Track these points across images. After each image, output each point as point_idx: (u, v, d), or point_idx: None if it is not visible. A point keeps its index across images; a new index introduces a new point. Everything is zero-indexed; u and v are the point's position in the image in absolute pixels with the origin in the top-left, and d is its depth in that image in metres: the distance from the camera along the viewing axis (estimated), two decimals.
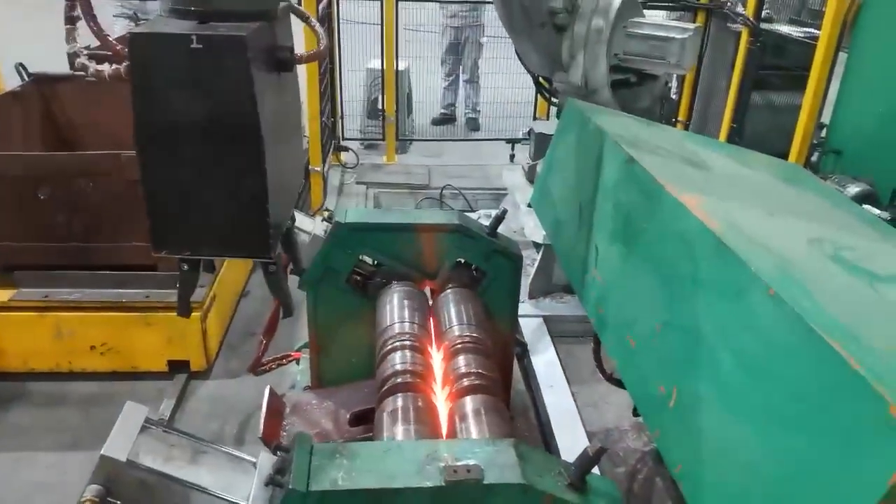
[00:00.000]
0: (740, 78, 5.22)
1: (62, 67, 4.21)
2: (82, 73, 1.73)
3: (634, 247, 1.68)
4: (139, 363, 3.39)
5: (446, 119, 7.65)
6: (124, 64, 1.61)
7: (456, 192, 5.80)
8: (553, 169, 2.41)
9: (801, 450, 1.07)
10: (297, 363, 3.19)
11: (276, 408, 2.64)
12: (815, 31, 4.61)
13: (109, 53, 1.61)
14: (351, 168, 6.16)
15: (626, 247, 1.72)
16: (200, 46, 1.34)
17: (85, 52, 1.75)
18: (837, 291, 1.32)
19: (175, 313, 3.29)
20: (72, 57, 1.72)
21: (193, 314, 3.29)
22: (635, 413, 2.85)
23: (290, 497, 1.29)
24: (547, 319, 3.91)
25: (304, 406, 2.70)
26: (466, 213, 2.90)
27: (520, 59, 4.28)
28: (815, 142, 4.62)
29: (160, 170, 1.47)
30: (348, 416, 2.55)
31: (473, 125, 7.51)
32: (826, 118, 4.63)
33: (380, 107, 6.52)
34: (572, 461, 1.49)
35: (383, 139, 6.48)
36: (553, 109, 6.08)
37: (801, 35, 5.05)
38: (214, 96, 1.40)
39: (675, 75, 5.37)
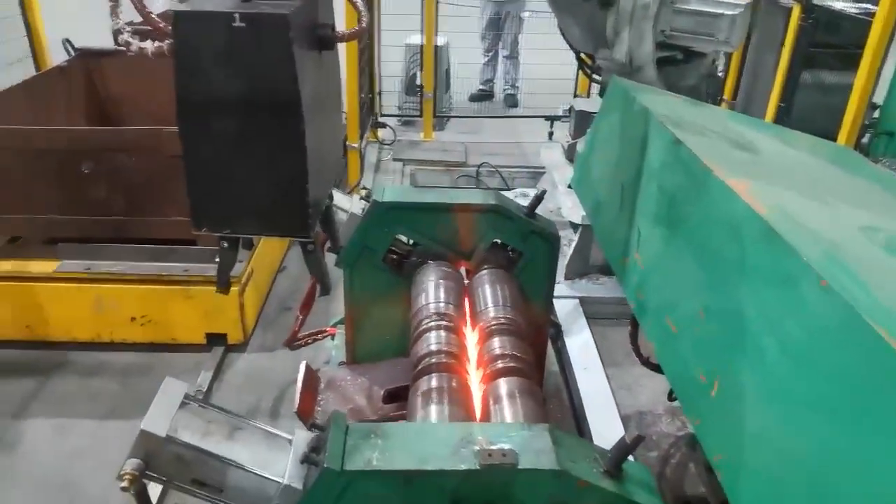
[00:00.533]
0: (790, 56, 5.04)
1: (107, 43, 4.29)
2: (125, 49, 1.74)
3: (678, 230, 1.63)
4: (177, 335, 3.46)
5: (484, 95, 7.57)
6: (167, 41, 1.62)
7: (493, 169, 5.75)
8: (595, 148, 2.36)
9: (848, 442, 1.03)
10: (332, 339, 3.22)
11: (312, 383, 2.67)
12: (872, 7, 4.41)
13: (152, 30, 1.61)
14: (388, 144, 6.15)
15: (669, 230, 1.68)
16: (243, 24, 1.34)
17: (128, 28, 1.76)
18: (890, 282, 1.26)
19: (214, 288, 3.38)
20: (116, 33, 1.73)
21: (232, 288, 3.34)
22: (670, 397, 2.82)
23: (324, 476, 1.30)
24: (582, 301, 3.87)
25: (339, 382, 2.72)
26: (502, 192, 2.87)
27: (562, 34, 4.19)
28: (866, 123, 4.45)
29: (201, 147, 1.47)
30: (382, 392, 2.57)
31: (512, 102, 7.42)
32: (879, 98, 4.45)
33: (418, 83, 6.48)
34: (608, 447, 1.48)
35: (421, 115, 6.45)
36: (595, 87, 5.98)
37: (857, 11, 4.84)
38: (256, 74, 1.39)
39: (722, 53, 5.20)
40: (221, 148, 1.47)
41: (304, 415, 2.52)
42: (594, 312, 3.84)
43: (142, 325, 3.40)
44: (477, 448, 1.37)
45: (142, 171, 3.15)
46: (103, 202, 3.22)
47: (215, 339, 3.48)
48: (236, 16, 1.34)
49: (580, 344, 3.45)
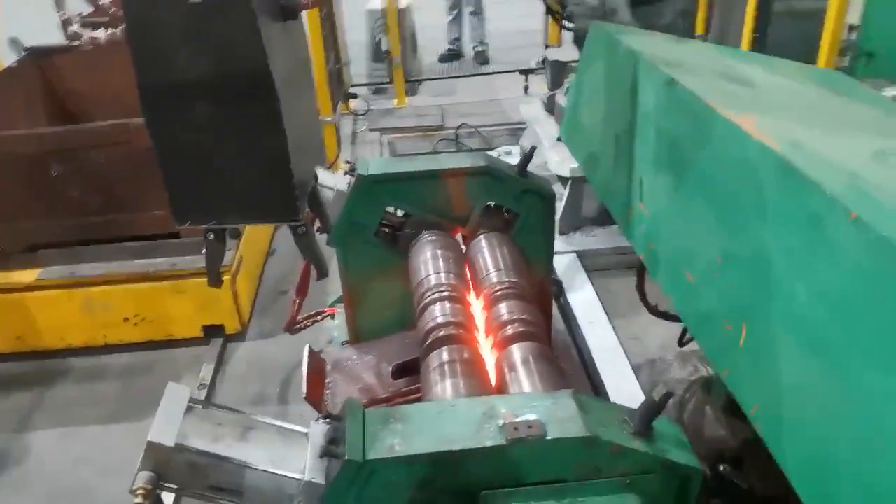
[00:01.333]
0: None
1: (58, 38, 4.10)
2: (77, 41, 1.63)
3: (685, 175, 1.57)
4: (174, 331, 3.38)
5: (453, 55, 7.41)
6: (120, 27, 1.51)
7: (472, 130, 5.64)
8: (582, 98, 2.28)
9: (892, 383, 0.99)
10: (333, 318, 3.15)
11: (317, 366, 2.61)
12: None
13: (105, 19, 1.50)
14: (362, 115, 6.02)
15: (675, 176, 1.61)
16: (200, 0, 1.23)
17: (77, 18, 1.64)
18: None
19: (205, 280, 3.29)
20: (64, 24, 1.61)
21: (223, 278, 3.25)
22: (681, 343, 2.80)
23: (347, 467, 1.24)
24: (580, 255, 3.82)
25: (345, 362, 2.66)
26: (486, 152, 2.78)
27: None
28: (844, 45, 4.38)
29: (171, 136, 1.38)
30: (391, 368, 2.52)
31: (482, 59, 7.27)
32: (854, 19, 4.37)
33: (384, 49, 6.31)
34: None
35: (391, 82, 6.30)
36: (567, 35, 5.86)
37: None
38: (220, 52, 1.29)
39: None
40: (193, 135, 1.38)
41: (314, 400, 2.47)
42: (592, 265, 3.80)
43: (136, 325, 3.32)
44: (501, 422, 1.32)
45: (115, 166, 3.03)
46: (79, 203, 3.11)
47: (213, 331, 3.41)
48: None
49: (583, 298, 3.42)
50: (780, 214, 1.25)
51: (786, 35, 5.13)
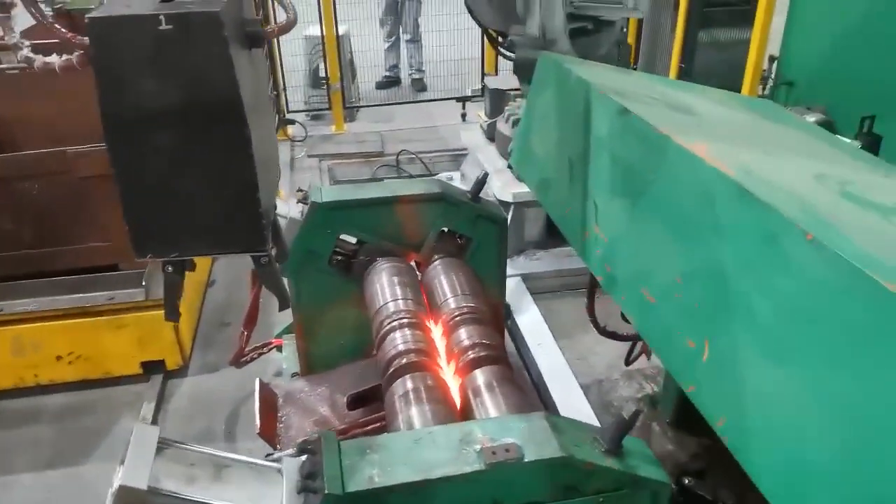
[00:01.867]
0: (686, 17, 5.22)
1: None
2: (25, 65, 1.57)
3: (640, 199, 1.63)
4: (111, 368, 3.24)
5: (391, 82, 7.46)
6: (76, 53, 1.46)
7: (412, 156, 5.68)
8: (533, 125, 2.33)
9: (856, 389, 1.05)
10: (280, 350, 3.09)
11: (269, 400, 2.55)
12: None
13: (54, 42, 1.45)
14: (300, 142, 5.97)
15: (630, 200, 1.67)
16: (170, 27, 1.21)
17: (26, 43, 1.59)
18: (861, 228, 1.30)
19: (143, 314, 3.16)
20: (14, 48, 1.55)
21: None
22: (627, 362, 2.87)
23: (327, 502, 1.22)
24: (524, 277, 3.88)
25: (297, 394, 2.61)
26: (436, 178, 2.82)
27: (471, 13, 4.16)
28: (765, 75, 4.66)
29: (136, 166, 1.34)
30: (346, 399, 2.48)
31: (419, 86, 7.34)
32: (774, 50, 4.66)
33: (322, 75, 6.30)
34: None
35: (329, 108, 6.29)
36: (505, 64, 5.99)
37: None
38: (190, 80, 1.27)
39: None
40: (159, 164, 1.35)
41: (268, 434, 2.40)
42: (536, 287, 3.86)
43: (70, 363, 3.16)
44: (479, 447, 1.33)
45: (48, 197, 2.90)
46: (9, 236, 2.96)
47: (152, 367, 3.28)
48: (161, 18, 1.22)
49: (530, 320, 3.47)
50: (737, 235, 1.31)
51: (710, 64, 5.42)
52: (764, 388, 1.21)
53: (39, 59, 1.50)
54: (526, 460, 1.30)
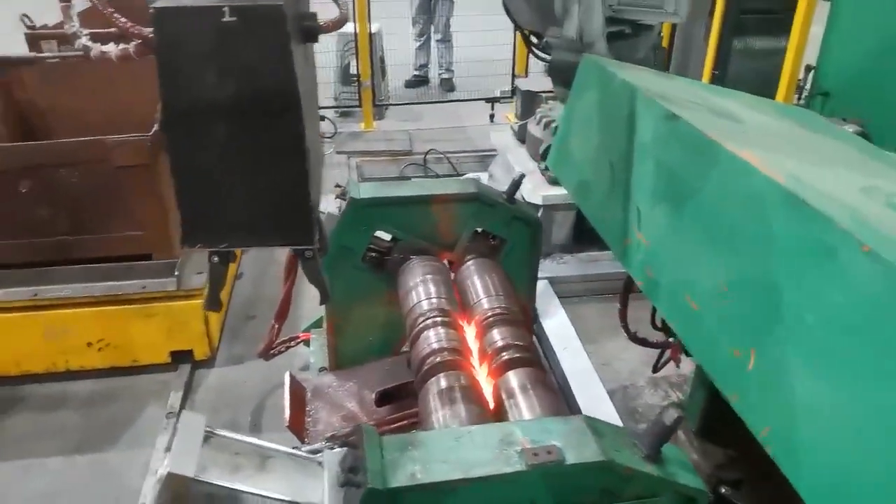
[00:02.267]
0: (721, 23, 5.18)
1: (20, 49, 4.00)
2: (81, 53, 1.59)
3: (686, 206, 1.62)
4: (140, 357, 3.27)
5: (419, 81, 7.47)
6: (133, 43, 1.48)
7: (440, 156, 5.69)
8: (572, 128, 2.33)
9: None
10: (307, 344, 3.11)
11: (298, 393, 2.57)
12: None
13: (112, 31, 1.46)
14: (329, 138, 6.00)
15: (675, 206, 1.66)
16: (234, 19, 1.22)
17: (85, 31, 1.60)
18: None
19: (174, 303, 3.19)
20: (72, 37, 1.57)
21: (195, 302, 3.18)
22: (655, 369, 2.85)
23: (369, 496, 1.22)
24: (551, 281, 3.87)
25: (326, 389, 2.63)
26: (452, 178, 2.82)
27: (507, 13, 4.16)
28: (800, 84, 4.61)
29: (192, 158, 1.35)
30: (374, 395, 2.49)
31: (448, 86, 7.35)
32: (811, 60, 4.60)
33: (353, 72, 6.32)
34: (642, 431, 1.46)
35: (359, 105, 6.31)
36: (534, 65, 5.98)
37: None
38: (250, 72, 1.28)
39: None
40: (214, 156, 1.36)
41: (296, 427, 2.42)
42: (563, 291, 3.85)
43: (100, 350, 3.19)
44: (520, 448, 1.33)
45: (87, 185, 2.93)
46: (46, 222, 3.00)
47: (181, 357, 3.31)
48: (225, 10, 1.23)
49: (556, 324, 3.46)
50: (789, 245, 1.29)
51: (742, 71, 5.37)
52: (813, 400, 1.20)
53: (96, 48, 1.52)
54: (567, 463, 1.30)
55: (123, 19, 1.42)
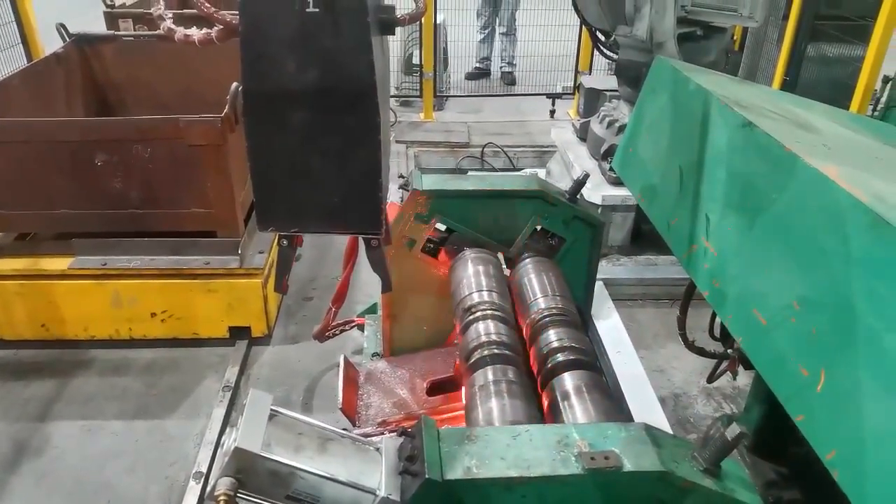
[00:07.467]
0: (795, 28, 5.01)
1: (97, 27, 4.15)
2: (169, 36, 1.64)
3: (759, 217, 1.58)
4: (200, 330, 3.37)
5: (481, 73, 7.46)
6: (215, 28, 1.52)
7: (497, 149, 5.67)
8: (641, 130, 2.30)
9: None
10: (361, 329, 3.16)
11: (352, 377, 2.62)
12: None
13: (193, 12, 1.51)
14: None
15: (747, 217, 1.63)
16: (317, 9, 1.25)
17: (169, 14, 1.66)
18: None
19: (235, 281, 3.28)
20: (158, 20, 1.62)
21: (255, 280, 3.26)
22: (710, 379, 2.80)
23: (425, 486, 1.24)
24: (606, 283, 3.82)
25: (378, 374, 2.67)
26: (509, 173, 2.80)
27: (576, 10, 4.11)
28: (876, 95, 4.43)
29: (269, 143, 1.38)
30: (425, 384, 2.52)
31: (509, 79, 7.32)
32: (889, 71, 4.42)
33: (416, 62, 6.35)
34: (704, 444, 1.44)
35: (420, 96, 6.34)
36: (599, 63, 5.90)
37: None
38: (329, 62, 1.30)
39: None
40: (290, 142, 1.39)
41: (348, 410, 2.46)
42: (618, 294, 3.80)
43: (162, 321, 3.31)
44: (577, 451, 1.33)
45: (159, 161, 3.03)
46: (118, 195, 3.11)
47: (238, 333, 3.40)
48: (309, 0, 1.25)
49: (610, 326, 3.41)
50: (869, 266, 1.26)
51: (814, 79, 5.19)
52: (886, 427, 1.17)
53: (181, 31, 1.56)
54: (624, 470, 1.30)
55: (208, 4, 1.46)
